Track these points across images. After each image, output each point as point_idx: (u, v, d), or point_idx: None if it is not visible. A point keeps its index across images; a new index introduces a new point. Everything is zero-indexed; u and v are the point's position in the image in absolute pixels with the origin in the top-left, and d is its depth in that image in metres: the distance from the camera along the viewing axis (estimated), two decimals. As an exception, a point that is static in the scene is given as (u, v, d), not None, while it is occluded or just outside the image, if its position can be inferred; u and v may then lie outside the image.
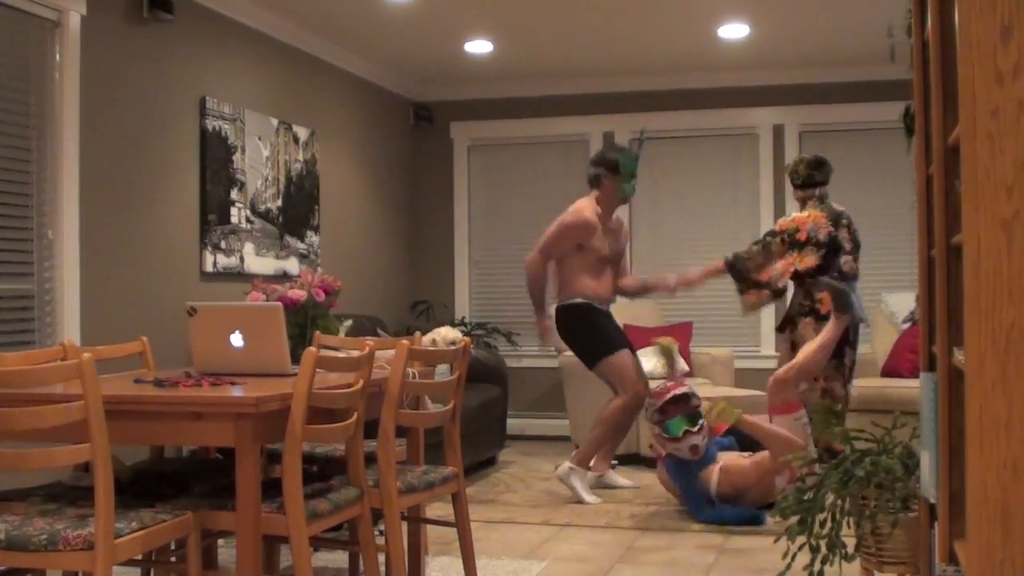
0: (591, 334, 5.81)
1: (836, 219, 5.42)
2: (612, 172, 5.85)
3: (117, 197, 5.07)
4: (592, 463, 5.90)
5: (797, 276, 5.49)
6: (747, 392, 6.81)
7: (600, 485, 5.98)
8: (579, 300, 5.80)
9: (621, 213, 6.26)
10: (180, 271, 5.51)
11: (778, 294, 5.49)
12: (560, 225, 5.81)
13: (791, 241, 5.40)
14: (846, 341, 5.36)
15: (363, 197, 7.66)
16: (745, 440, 5.41)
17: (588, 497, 5.69)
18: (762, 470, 5.14)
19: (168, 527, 2.88)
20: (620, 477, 6.15)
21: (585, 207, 5.83)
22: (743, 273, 5.47)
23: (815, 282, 5.45)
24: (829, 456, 3.90)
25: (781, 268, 5.38)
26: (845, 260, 5.37)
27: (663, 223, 8.21)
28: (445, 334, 5.10)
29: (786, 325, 5.58)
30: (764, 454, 5.18)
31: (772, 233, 5.51)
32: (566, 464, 5.82)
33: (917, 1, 2.90)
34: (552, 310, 5.89)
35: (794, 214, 5.54)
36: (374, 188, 7.84)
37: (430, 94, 8.45)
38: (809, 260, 5.39)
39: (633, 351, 5.93)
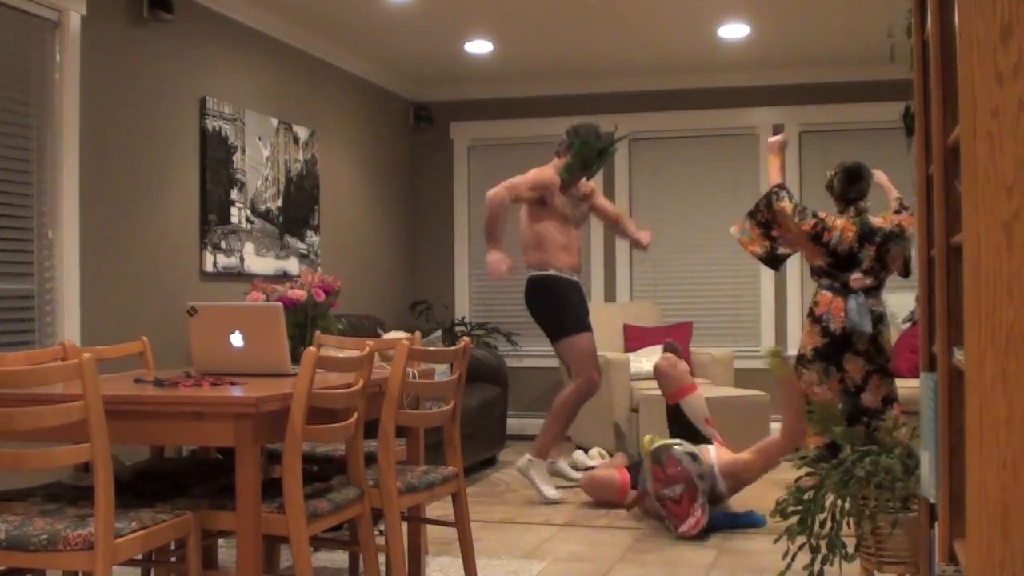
0: (560, 309, 5.82)
1: (867, 234, 5.30)
2: (567, 149, 5.89)
3: (117, 197, 5.07)
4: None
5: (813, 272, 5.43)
6: (747, 392, 6.81)
7: (551, 472, 5.98)
8: (551, 272, 5.82)
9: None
10: (180, 271, 5.51)
11: (770, 261, 5.44)
12: (529, 173, 5.87)
13: (814, 234, 5.31)
14: (847, 348, 5.25)
15: (363, 197, 7.66)
16: None
17: (548, 491, 5.69)
18: (767, 456, 5.10)
19: (168, 527, 2.88)
20: (571, 469, 6.17)
21: (545, 168, 5.92)
22: (757, 212, 5.41)
23: (818, 283, 5.41)
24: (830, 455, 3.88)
25: (793, 240, 5.35)
26: (855, 278, 5.27)
27: (663, 223, 8.20)
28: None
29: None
30: (768, 440, 5.17)
31: (800, 206, 5.44)
32: (525, 457, 5.82)
33: (917, 1, 2.90)
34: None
35: (834, 216, 5.43)
36: (374, 188, 7.84)
37: (430, 94, 8.45)
38: (817, 260, 5.34)
39: (591, 332, 5.94)
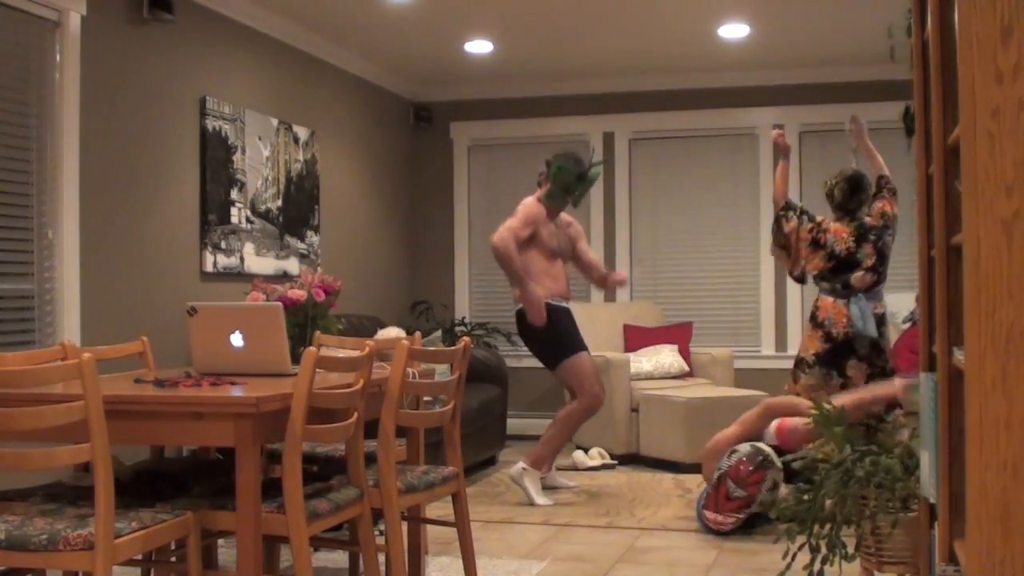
0: (552, 336, 5.85)
1: (862, 235, 5.32)
2: (548, 178, 5.95)
3: (117, 197, 5.07)
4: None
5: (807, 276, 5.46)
6: (747, 392, 6.81)
7: (545, 486, 5.99)
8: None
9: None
10: (180, 271, 5.51)
11: (798, 279, 5.51)
12: (519, 212, 5.86)
13: (813, 238, 5.37)
14: (851, 353, 5.26)
15: (363, 197, 7.66)
16: None
17: (540, 499, 5.69)
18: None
19: (168, 527, 2.88)
20: (562, 478, 6.18)
21: (530, 201, 5.94)
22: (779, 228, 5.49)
23: (819, 287, 5.43)
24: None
25: (801, 250, 5.41)
26: (856, 276, 5.29)
27: (663, 223, 8.21)
28: (390, 335, 5.08)
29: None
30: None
31: (800, 211, 5.49)
32: (519, 464, 5.83)
33: (917, 1, 2.90)
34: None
35: (829, 220, 5.47)
36: (374, 188, 7.84)
37: (430, 94, 8.45)
38: (817, 263, 5.35)
39: (588, 351, 5.97)
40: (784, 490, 4.88)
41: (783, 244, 5.51)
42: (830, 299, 5.29)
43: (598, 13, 6.34)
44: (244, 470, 2.93)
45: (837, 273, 5.29)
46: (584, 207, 8.19)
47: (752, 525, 4.99)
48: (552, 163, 5.93)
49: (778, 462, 4.90)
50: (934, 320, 2.65)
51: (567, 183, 5.87)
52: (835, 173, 5.47)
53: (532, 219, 5.85)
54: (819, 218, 5.43)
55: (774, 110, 7.96)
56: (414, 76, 8.06)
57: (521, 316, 5.89)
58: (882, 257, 5.35)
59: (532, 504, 5.66)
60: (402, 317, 8.15)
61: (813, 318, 5.34)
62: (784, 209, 5.50)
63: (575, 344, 5.88)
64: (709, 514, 4.91)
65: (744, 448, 4.97)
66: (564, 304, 5.94)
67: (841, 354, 5.22)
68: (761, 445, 4.96)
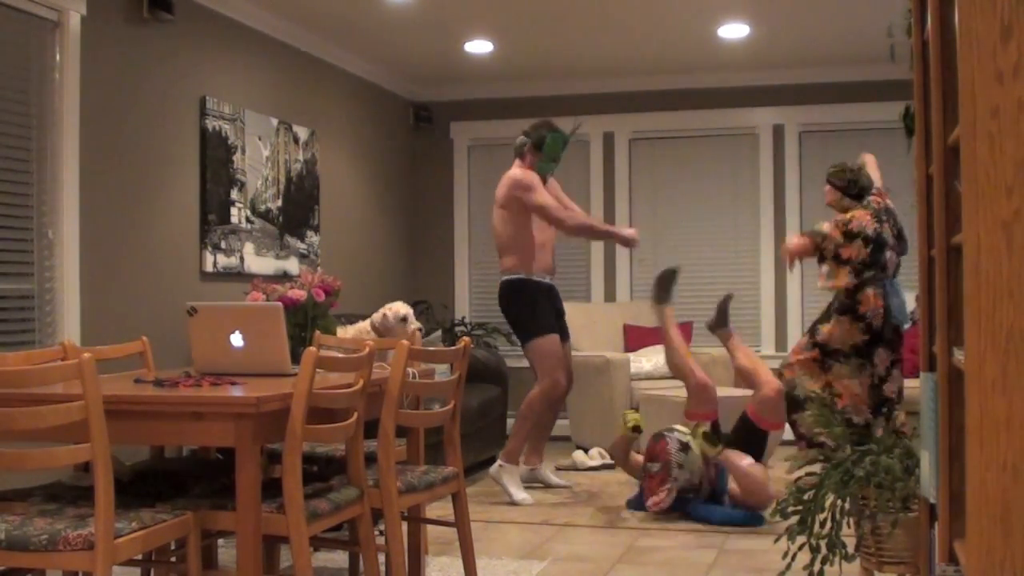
0: (526, 312, 5.84)
1: (878, 215, 5.42)
2: (535, 148, 5.91)
3: (117, 197, 5.07)
4: (523, 457, 5.95)
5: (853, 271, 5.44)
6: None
7: (531, 479, 5.97)
8: (521, 275, 5.85)
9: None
10: (180, 271, 5.51)
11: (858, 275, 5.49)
12: (529, 186, 5.79)
13: (845, 232, 5.38)
14: (880, 340, 5.33)
15: (363, 197, 7.66)
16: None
17: (519, 495, 5.67)
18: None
19: (168, 527, 2.88)
20: (553, 476, 6.16)
21: (523, 173, 5.87)
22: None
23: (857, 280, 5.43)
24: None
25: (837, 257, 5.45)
26: (889, 257, 5.40)
27: (663, 223, 8.21)
28: (397, 309, 4.97)
29: (822, 319, 5.49)
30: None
31: (822, 236, 5.45)
32: (497, 462, 5.82)
33: (917, 1, 2.90)
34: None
35: (836, 216, 5.47)
36: (374, 188, 7.84)
37: (430, 94, 8.45)
38: (856, 252, 5.36)
39: (565, 337, 5.97)
40: (695, 445, 5.21)
41: (836, 253, 5.45)
42: (871, 291, 5.33)
43: (598, 13, 6.34)
44: (244, 470, 2.93)
45: (875, 255, 5.35)
46: (584, 207, 8.20)
47: (753, 526, 5.01)
48: (540, 134, 5.89)
49: (680, 429, 5.33)
50: (934, 320, 2.65)
51: (557, 153, 5.93)
52: (840, 164, 5.57)
53: (539, 184, 5.83)
54: (827, 225, 5.42)
55: (774, 110, 7.95)
56: (414, 76, 8.06)
57: (504, 287, 5.89)
58: (899, 237, 5.46)
59: (512, 502, 5.64)
60: (402, 317, 8.14)
61: (852, 311, 5.34)
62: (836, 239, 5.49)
63: (545, 325, 5.84)
64: (649, 502, 5.24)
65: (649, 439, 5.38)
66: (547, 280, 5.93)
67: (873, 343, 5.34)
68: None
